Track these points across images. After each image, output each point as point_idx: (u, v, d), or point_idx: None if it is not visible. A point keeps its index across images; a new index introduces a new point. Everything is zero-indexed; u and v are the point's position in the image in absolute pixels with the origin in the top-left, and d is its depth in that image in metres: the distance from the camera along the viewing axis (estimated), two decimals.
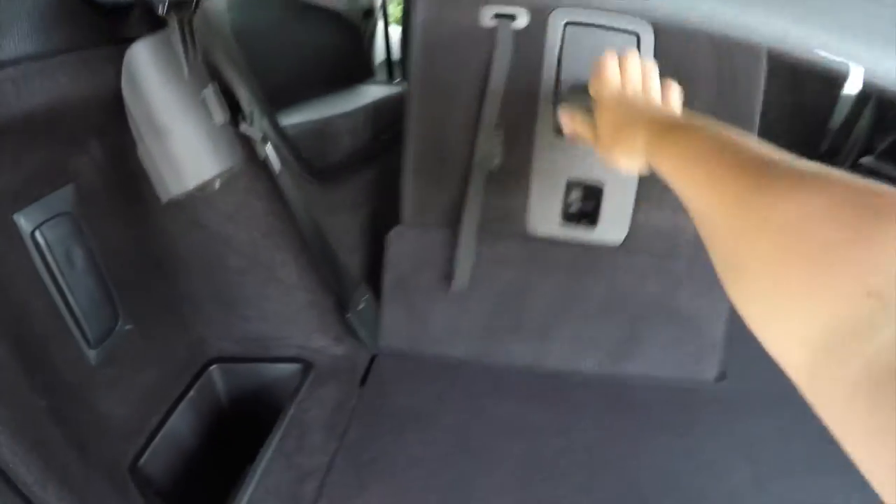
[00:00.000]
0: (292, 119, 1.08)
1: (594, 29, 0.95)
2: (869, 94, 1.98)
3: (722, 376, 1.07)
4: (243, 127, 0.74)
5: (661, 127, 0.53)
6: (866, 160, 1.86)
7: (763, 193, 0.36)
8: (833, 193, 0.32)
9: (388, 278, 1.10)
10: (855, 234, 0.29)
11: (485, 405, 1.00)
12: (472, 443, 0.92)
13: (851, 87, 2.07)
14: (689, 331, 1.07)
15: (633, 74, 0.66)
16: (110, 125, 0.68)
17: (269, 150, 0.80)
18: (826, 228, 0.31)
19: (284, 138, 0.87)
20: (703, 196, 0.42)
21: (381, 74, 2.20)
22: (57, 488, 0.60)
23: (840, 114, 2.07)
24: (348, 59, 1.81)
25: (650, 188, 1.00)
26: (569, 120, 0.70)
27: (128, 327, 0.83)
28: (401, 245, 1.08)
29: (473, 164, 0.98)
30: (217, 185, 0.68)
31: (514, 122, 0.98)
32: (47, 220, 0.68)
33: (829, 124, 2.08)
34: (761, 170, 0.38)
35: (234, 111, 0.75)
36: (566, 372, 1.07)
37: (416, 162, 1.04)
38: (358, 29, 1.97)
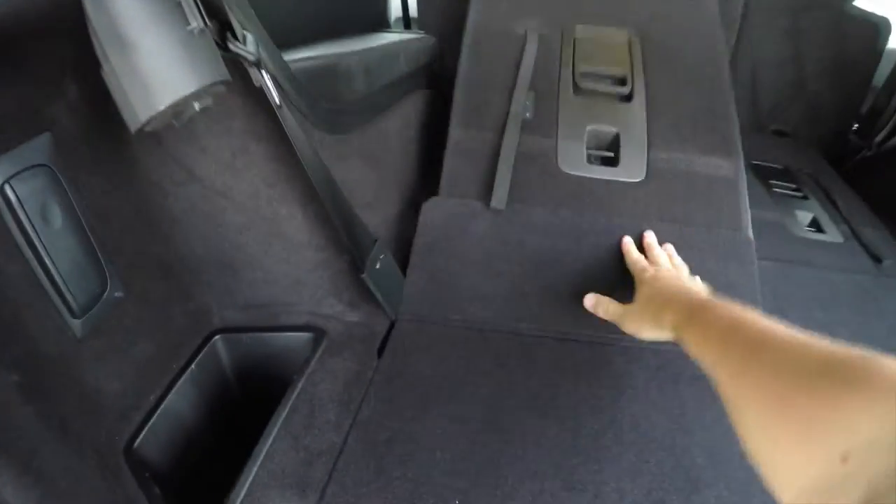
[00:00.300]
0: (297, 55, 0.94)
1: (597, 33, 1.34)
2: None
3: None
4: (232, 45, 0.60)
5: (688, 310, 0.65)
6: None
7: (759, 367, 0.45)
8: (811, 368, 0.39)
9: (419, 243, 1.06)
10: (830, 404, 0.34)
11: (516, 377, 0.88)
12: (502, 420, 0.81)
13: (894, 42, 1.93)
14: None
15: (660, 258, 0.90)
16: (89, 62, 0.55)
17: (266, 79, 0.66)
18: (806, 398, 0.37)
19: (285, 68, 0.74)
20: (717, 369, 0.51)
21: (398, 27, 2.07)
22: (14, 475, 0.49)
23: (883, 71, 1.92)
24: (362, 5, 1.67)
25: (661, 133, 1.18)
26: (595, 305, 0.88)
27: (118, 294, 0.72)
28: (435, 214, 1.09)
29: (510, 115, 1.15)
30: (197, 107, 0.55)
31: (541, 89, 1.22)
32: (19, 173, 0.57)
33: (871, 82, 1.95)
34: (758, 347, 0.48)
35: (223, 29, 0.62)
36: (603, 339, 0.95)
37: (457, 141, 1.17)
38: None
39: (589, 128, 1.19)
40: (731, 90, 1.28)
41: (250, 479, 0.70)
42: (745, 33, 1.92)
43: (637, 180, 1.14)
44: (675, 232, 1.06)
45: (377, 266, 0.92)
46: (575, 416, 0.82)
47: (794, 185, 1.53)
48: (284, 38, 0.87)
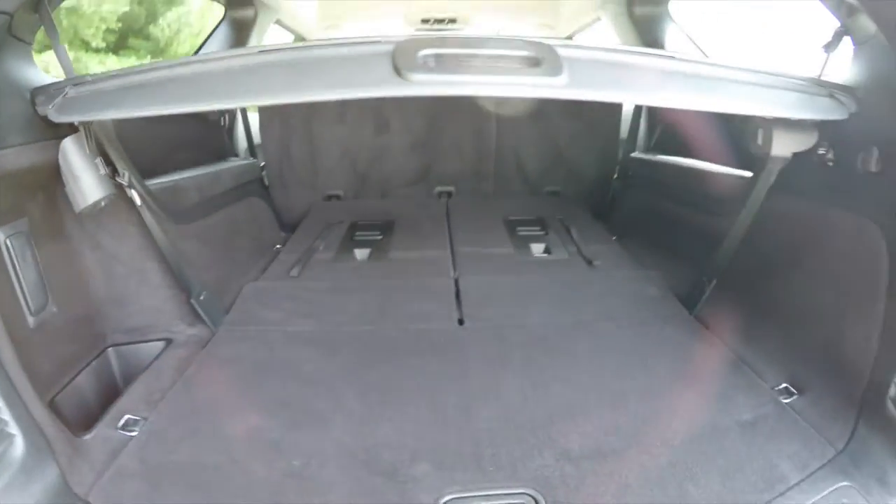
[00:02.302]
0: (155, 181, 1.68)
1: None
2: (639, 106, 2.80)
3: None
4: (117, 178, 1.34)
5: None
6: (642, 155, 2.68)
7: None
8: None
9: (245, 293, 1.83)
10: None
11: (308, 363, 1.52)
12: (303, 383, 1.43)
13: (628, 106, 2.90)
14: None
15: None
16: (50, 184, 1.27)
17: (133, 194, 1.40)
18: None
19: (144, 187, 1.47)
20: None
21: (246, 155, 2.87)
22: None
23: (624, 126, 2.87)
24: (209, 144, 2.45)
25: None
26: None
27: (54, 310, 1.35)
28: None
29: None
30: (102, 204, 1.27)
31: None
32: (12, 234, 1.22)
33: (619, 137, 2.89)
34: None
35: (113, 169, 1.35)
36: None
37: None
38: (217, 122, 2.63)
39: None
40: None
41: (123, 397, 1.33)
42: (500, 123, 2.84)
43: None
44: None
45: (201, 298, 1.64)
46: (375, 383, 1.47)
47: (538, 227, 2.45)
48: (156, 167, 1.62)
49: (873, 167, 1.21)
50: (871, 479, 1.07)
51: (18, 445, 1.01)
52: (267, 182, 2.77)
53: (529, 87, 0.98)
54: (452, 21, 3.31)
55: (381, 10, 3.30)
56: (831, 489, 1.05)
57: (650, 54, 1.13)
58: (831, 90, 1.23)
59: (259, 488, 1.08)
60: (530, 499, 1.04)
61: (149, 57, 7.86)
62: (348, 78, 0.98)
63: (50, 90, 1.17)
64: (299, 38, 3.26)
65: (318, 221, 2.62)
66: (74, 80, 1.15)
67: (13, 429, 1.01)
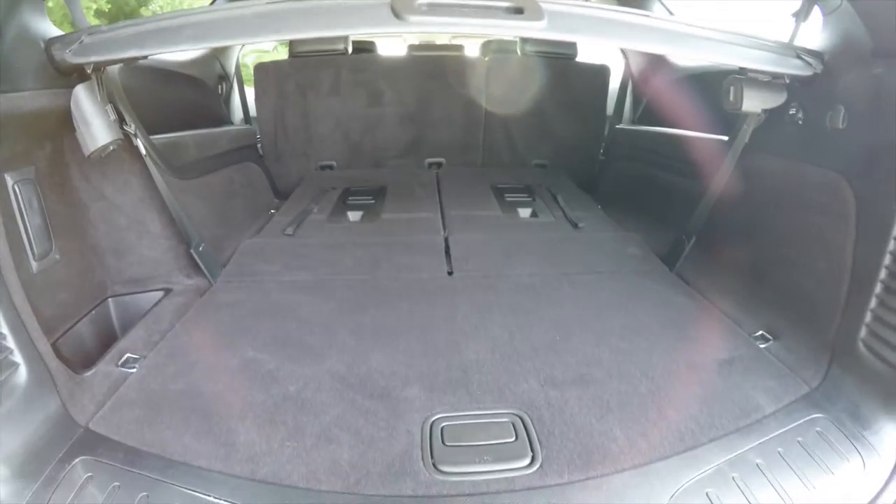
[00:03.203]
0: (158, 136, 1.73)
1: None
2: (625, 82, 2.91)
3: None
4: (124, 126, 1.39)
5: None
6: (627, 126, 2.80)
7: None
8: None
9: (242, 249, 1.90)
10: None
11: (303, 306, 1.59)
12: (298, 322, 1.51)
13: (614, 81, 3.01)
14: None
15: None
16: (57, 134, 1.31)
17: (139, 143, 1.44)
18: None
19: (150, 140, 1.52)
20: None
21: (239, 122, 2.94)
22: None
23: (611, 101, 2.98)
24: (207, 110, 2.50)
25: None
26: None
27: (57, 257, 1.40)
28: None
29: None
30: (111, 148, 1.32)
31: None
32: (20, 181, 1.27)
33: (606, 114, 3.00)
34: None
35: (121, 118, 1.40)
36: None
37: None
38: (215, 90, 2.68)
39: None
40: None
41: (123, 340, 1.39)
42: (490, 96, 2.92)
43: None
44: None
45: (200, 249, 1.69)
46: (362, 324, 1.54)
47: (526, 194, 2.53)
48: (158, 125, 1.67)
49: (840, 124, 1.29)
50: (844, 413, 1.13)
51: (22, 374, 1.05)
52: (262, 152, 2.83)
53: (514, 28, 1.05)
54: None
55: None
56: (805, 419, 1.12)
57: (628, 12, 1.19)
58: (798, 52, 1.32)
59: (257, 410, 1.14)
60: (517, 418, 1.11)
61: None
62: (352, 19, 1.04)
63: (65, 38, 1.23)
64: None
65: (312, 188, 2.68)
66: (90, 30, 1.21)
67: (17, 358, 1.05)
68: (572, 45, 2.94)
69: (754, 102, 1.42)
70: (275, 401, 1.17)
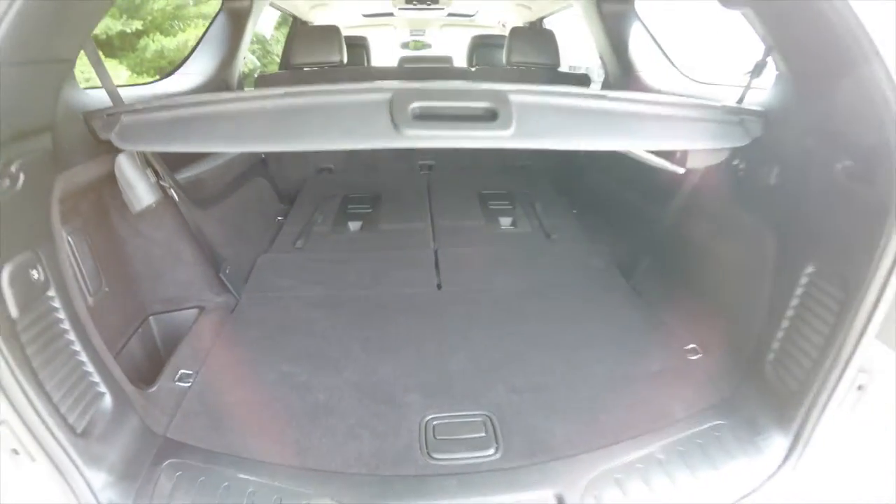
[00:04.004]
0: (183, 176, 1.98)
1: None
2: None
3: None
4: (161, 183, 1.65)
5: None
6: None
7: None
8: None
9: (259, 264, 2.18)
10: None
11: (319, 322, 1.91)
12: (318, 338, 1.82)
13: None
14: None
15: None
16: (100, 187, 1.57)
17: (172, 192, 1.71)
18: None
19: (178, 184, 1.78)
20: None
21: None
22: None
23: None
24: None
25: None
26: None
27: (106, 289, 1.67)
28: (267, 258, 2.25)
29: None
30: (153, 205, 1.58)
31: None
32: (71, 232, 1.52)
33: None
34: None
35: (157, 177, 1.65)
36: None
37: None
38: None
39: None
40: None
41: (173, 357, 1.68)
42: None
43: None
44: None
45: (227, 271, 1.97)
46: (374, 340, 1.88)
47: (507, 202, 2.83)
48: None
49: (772, 181, 1.51)
50: (743, 422, 1.40)
51: (108, 401, 1.32)
52: (264, 156, 3.05)
53: (489, 140, 1.29)
54: (435, 1, 3.52)
55: None
56: (709, 425, 1.41)
57: (585, 95, 1.39)
58: (742, 116, 1.49)
59: (298, 415, 1.47)
60: (487, 418, 1.45)
61: (124, 16, 7.98)
62: (356, 128, 1.27)
63: (104, 115, 1.40)
64: (290, 16, 3.46)
65: (313, 195, 2.96)
66: (126, 109, 1.40)
67: (102, 388, 1.32)
68: (555, 56, 3.13)
69: (696, 162, 1.67)
70: (310, 407, 1.50)
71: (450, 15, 4.35)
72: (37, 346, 1.15)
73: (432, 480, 1.28)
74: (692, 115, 1.48)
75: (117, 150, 1.49)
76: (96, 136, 1.44)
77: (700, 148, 1.58)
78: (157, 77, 2.91)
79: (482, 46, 4.16)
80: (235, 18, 2.79)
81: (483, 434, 1.41)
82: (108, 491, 1.20)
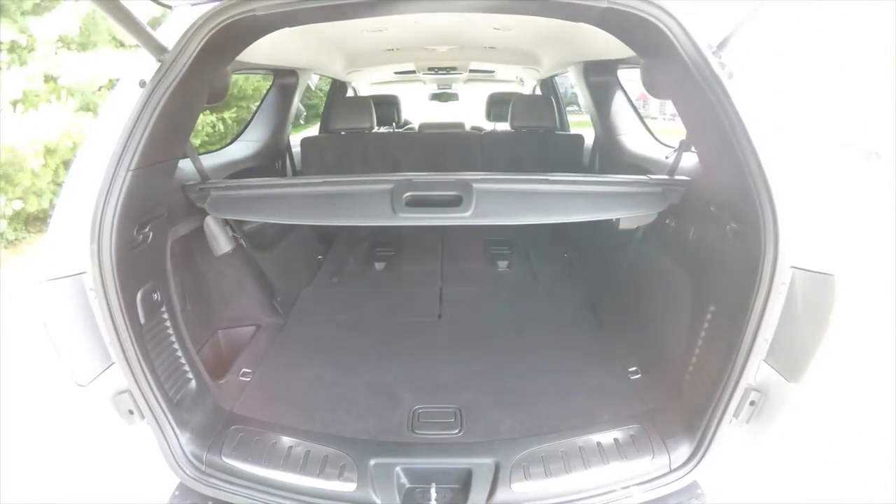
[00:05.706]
0: (248, 227, 2.61)
1: None
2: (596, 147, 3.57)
3: None
4: (234, 234, 2.27)
5: None
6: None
7: None
8: None
9: (304, 296, 2.79)
10: None
11: (347, 340, 2.51)
12: (344, 351, 2.42)
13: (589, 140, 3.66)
14: None
15: None
16: (193, 239, 2.22)
17: (241, 241, 2.33)
18: None
19: (246, 234, 2.41)
20: None
21: None
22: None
23: (586, 158, 3.65)
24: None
25: None
26: None
27: (189, 308, 2.28)
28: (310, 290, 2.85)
29: None
30: (230, 251, 2.20)
31: None
32: (173, 267, 2.13)
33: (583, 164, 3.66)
34: None
35: (233, 231, 2.28)
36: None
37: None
38: (275, 164, 3.53)
39: None
40: None
41: (237, 360, 2.29)
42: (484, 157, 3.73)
43: None
44: None
45: (278, 299, 2.58)
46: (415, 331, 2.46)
47: (506, 248, 3.42)
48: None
49: (691, 236, 1.98)
50: (657, 427, 1.75)
51: (193, 385, 1.87)
52: None
53: (455, 219, 1.82)
54: (453, 69, 4.14)
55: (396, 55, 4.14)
56: (627, 427, 1.78)
57: (532, 180, 1.90)
58: (666, 187, 1.98)
59: (326, 402, 2.03)
60: (457, 409, 1.96)
61: None
62: (367, 211, 1.86)
63: (196, 189, 2.03)
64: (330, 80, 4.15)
65: (347, 239, 3.63)
66: (213, 185, 2.03)
67: (190, 375, 1.88)
68: (551, 119, 3.70)
69: (629, 223, 2.20)
70: (335, 397, 2.06)
71: (471, 71, 4.96)
72: (153, 343, 1.71)
73: (414, 447, 1.80)
74: (618, 190, 1.99)
75: (205, 213, 2.11)
76: (193, 204, 2.06)
77: (623, 216, 2.09)
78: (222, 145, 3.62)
79: (498, 103, 4.72)
80: (284, 92, 3.46)
81: (452, 420, 1.92)
82: (191, 445, 1.74)
